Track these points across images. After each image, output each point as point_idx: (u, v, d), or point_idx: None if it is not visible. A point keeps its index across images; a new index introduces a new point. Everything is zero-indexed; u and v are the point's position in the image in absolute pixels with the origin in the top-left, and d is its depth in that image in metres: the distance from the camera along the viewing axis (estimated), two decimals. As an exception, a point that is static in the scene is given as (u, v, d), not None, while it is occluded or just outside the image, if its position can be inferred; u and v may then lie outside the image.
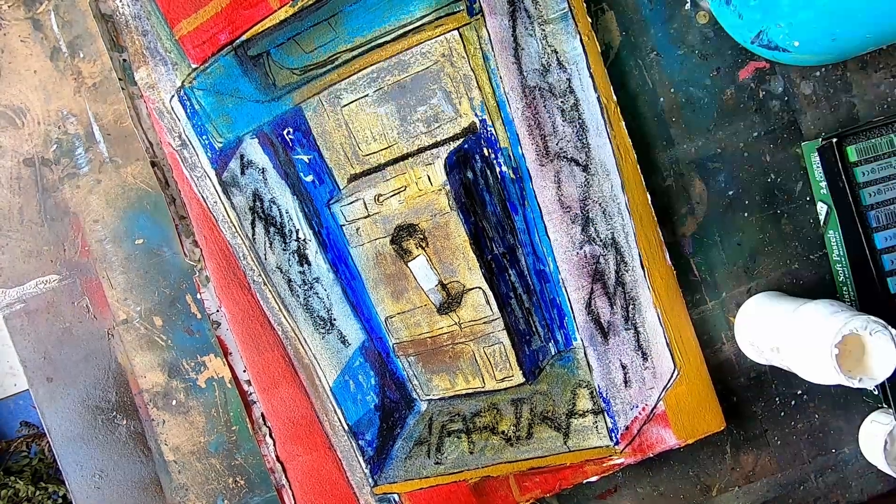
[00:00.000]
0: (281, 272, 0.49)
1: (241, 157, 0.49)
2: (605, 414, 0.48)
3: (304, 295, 0.49)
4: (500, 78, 0.46)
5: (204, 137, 0.48)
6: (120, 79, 0.49)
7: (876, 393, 0.48)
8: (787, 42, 0.43)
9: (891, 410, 0.47)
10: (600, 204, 0.47)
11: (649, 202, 0.47)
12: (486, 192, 0.48)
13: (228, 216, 0.49)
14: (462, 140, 0.47)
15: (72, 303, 0.52)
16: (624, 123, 0.46)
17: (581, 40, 0.46)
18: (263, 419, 0.50)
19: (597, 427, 0.48)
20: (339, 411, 0.50)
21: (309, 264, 0.49)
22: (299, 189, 0.49)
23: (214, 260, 0.49)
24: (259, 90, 0.48)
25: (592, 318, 0.48)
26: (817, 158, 0.46)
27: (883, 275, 0.45)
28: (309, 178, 0.49)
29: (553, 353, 0.49)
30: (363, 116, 0.48)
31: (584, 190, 0.47)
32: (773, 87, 0.48)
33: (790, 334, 0.41)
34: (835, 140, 0.45)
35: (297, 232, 0.49)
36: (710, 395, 0.48)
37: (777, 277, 0.49)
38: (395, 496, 0.50)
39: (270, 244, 0.49)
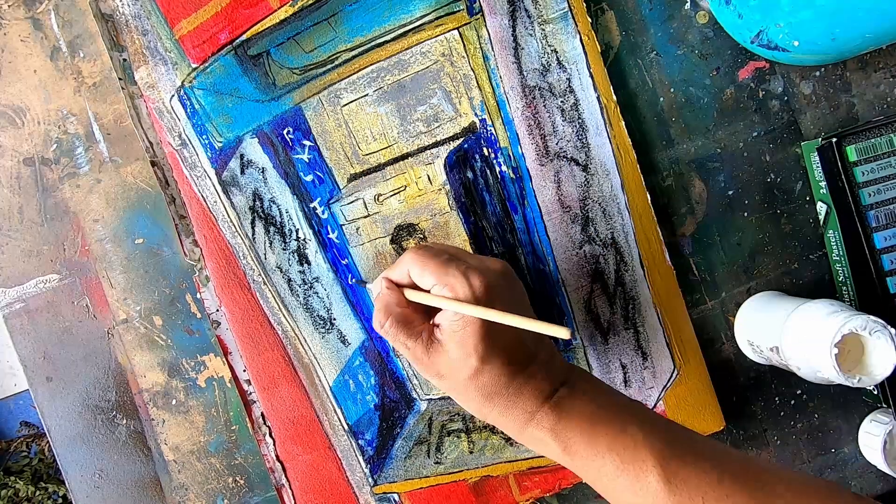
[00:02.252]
0: (281, 272, 0.49)
1: (241, 156, 0.49)
2: (605, 413, 0.48)
3: (304, 294, 0.49)
4: (500, 77, 0.46)
5: (204, 137, 0.48)
6: (120, 78, 0.49)
7: (875, 393, 0.48)
8: (787, 42, 0.43)
9: (890, 410, 0.47)
10: (600, 203, 0.47)
11: (649, 202, 0.47)
12: (485, 192, 0.48)
13: (228, 216, 0.49)
14: (462, 140, 0.47)
15: (72, 302, 0.52)
16: (624, 123, 0.46)
17: (581, 40, 0.46)
18: (263, 419, 0.50)
19: (596, 427, 0.48)
20: (338, 411, 0.50)
21: (309, 264, 0.49)
22: (299, 189, 0.49)
23: (214, 259, 0.49)
24: (259, 90, 0.48)
25: (592, 317, 0.48)
26: (817, 158, 0.46)
27: (882, 274, 0.45)
28: (309, 178, 0.49)
29: (553, 353, 0.49)
30: (363, 116, 0.48)
31: (583, 189, 0.47)
32: (773, 86, 0.48)
33: (790, 334, 0.41)
34: (834, 140, 0.45)
35: (296, 231, 0.49)
36: (709, 395, 0.48)
37: (777, 277, 0.49)
38: (395, 496, 0.50)
39: (270, 244, 0.49)
